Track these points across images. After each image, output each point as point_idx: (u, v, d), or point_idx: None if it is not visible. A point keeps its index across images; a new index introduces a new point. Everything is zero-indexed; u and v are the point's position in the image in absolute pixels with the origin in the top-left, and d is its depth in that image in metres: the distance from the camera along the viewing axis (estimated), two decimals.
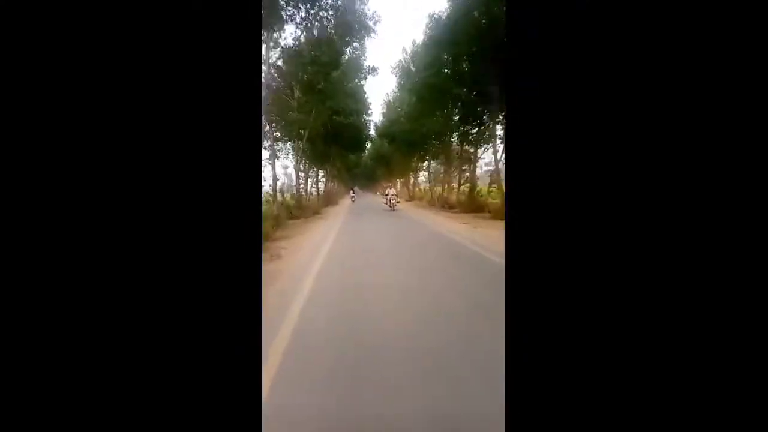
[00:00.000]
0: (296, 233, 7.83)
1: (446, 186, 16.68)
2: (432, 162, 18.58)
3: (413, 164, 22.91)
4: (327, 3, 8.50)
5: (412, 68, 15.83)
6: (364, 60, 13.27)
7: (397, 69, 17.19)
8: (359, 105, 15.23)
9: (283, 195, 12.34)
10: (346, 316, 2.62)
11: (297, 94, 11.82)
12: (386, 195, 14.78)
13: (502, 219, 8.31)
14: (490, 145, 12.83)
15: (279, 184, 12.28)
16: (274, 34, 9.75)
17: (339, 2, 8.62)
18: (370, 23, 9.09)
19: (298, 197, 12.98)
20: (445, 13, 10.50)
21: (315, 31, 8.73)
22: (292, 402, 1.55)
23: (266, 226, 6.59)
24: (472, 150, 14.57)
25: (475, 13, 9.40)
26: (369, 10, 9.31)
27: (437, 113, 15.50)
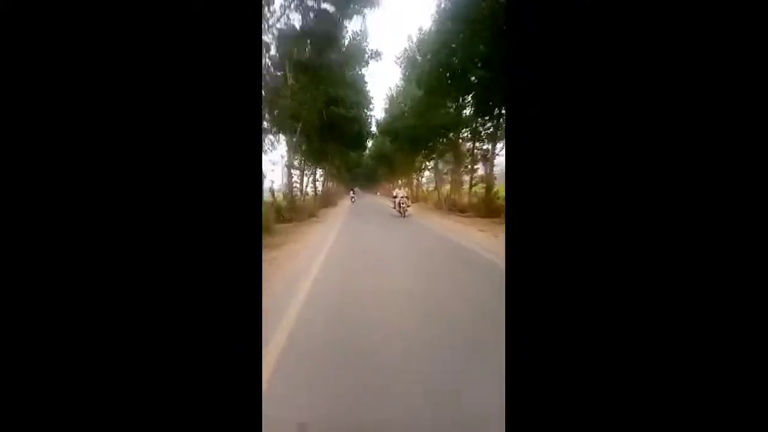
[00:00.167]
0: (284, 240, 6.45)
1: (455, 187, 15.25)
2: (439, 161, 17.12)
3: (417, 163, 21.46)
4: None
5: (418, 57, 14.42)
6: (366, 45, 11.86)
7: (401, 59, 15.77)
8: (360, 97, 13.81)
9: (273, 195, 10.95)
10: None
11: (290, 81, 10.43)
12: (395, 198, 11.85)
13: None
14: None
15: (270, 183, 10.86)
16: (263, 9, 8.35)
17: None
18: None
19: (290, 198, 11.52)
20: None
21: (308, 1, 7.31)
22: None
23: None
24: (487, 147, 13.12)
25: None
26: None
27: (448, 105, 14.13)
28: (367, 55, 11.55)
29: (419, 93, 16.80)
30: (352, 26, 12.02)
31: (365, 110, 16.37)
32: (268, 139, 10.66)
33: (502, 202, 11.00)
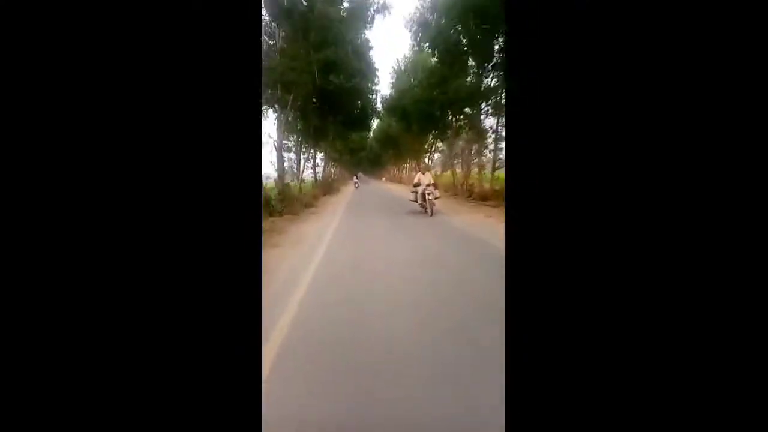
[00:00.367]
0: (266, 244, 4.72)
1: (474, 170, 13.29)
2: (454, 141, 15.08)
3: (428, 144, 19.42)
4: None
5: (430, 18, 12.25)
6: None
7: (411, 22, 13.55)
8: (363, 64, 11.72)
9: (261, 182, 9.16)
10: None
11: (279, 40, 8.46)
12: (416, 187, 8.12)
13: None
14: None
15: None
16: None
17: None
18: None
19: (282, 185, 9.71)
20: None
21: None
22: None
23: None
24: None
25: None
26: None
27: (466, 75, 12.06)
28: (372, 8, 9.44)
29: (431, 63, 14.82)
30: None
31: (369, 84, 14.27)
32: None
33: None
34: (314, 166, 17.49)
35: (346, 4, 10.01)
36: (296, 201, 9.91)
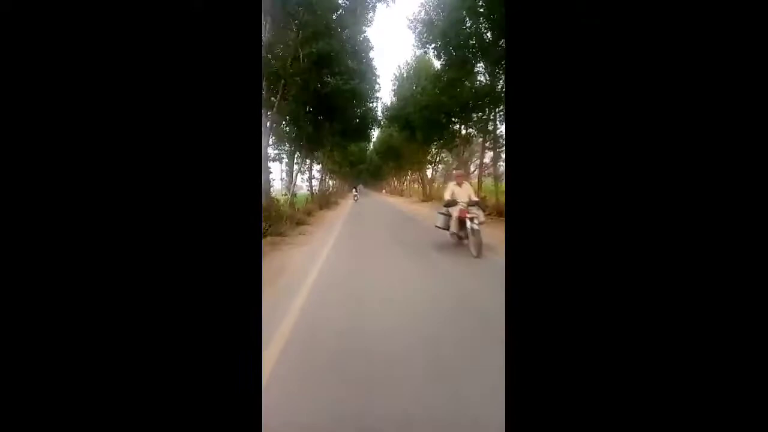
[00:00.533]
0: None
1: (486, 181, 11.95)
2: (463, 150, 13.81)
3: (433, 155, 18.15)
4: None
5: (436, 17, 11.15)
6: None
7: (415, 22, 12.47)
8: (362, 66, 10.52)
9: None
10: None
11: (267, 36, 7.23)
12: (450, 207, 4.82)
13: None
14: None
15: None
16: None
17: None
18: None
19: (268, 200, 8.33)
20: None
21: None
22: None
23: None
24: None
25: None
26: None
27: (482, 72, 10.86)
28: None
29: (435, 69, 13.77)
30: None
31: (369, 90, 13.10)
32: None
33: None
34: (310, 178, 16.19)
35: None
36: (285, 219, 8.54)
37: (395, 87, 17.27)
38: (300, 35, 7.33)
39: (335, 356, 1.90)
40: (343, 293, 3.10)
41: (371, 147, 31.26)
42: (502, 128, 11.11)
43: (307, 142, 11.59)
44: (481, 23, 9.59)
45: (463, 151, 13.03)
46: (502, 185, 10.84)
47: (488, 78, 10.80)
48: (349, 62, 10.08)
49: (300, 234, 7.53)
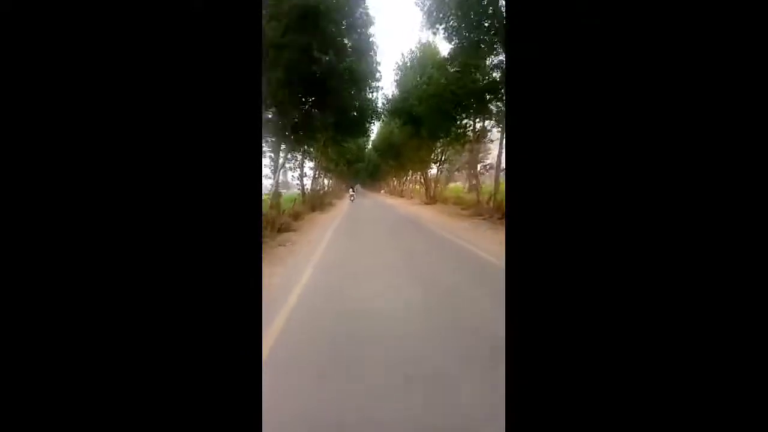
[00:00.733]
0: None
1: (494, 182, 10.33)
2: (475, 146, 12.17)
3: (438, 153, 16.48)
4: None
5: None
6: None
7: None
8: (362, 42, 8.87)
9: None
10: None
11: None
12: None
13: None
14: None
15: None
16: None
17: None
18: None
19: None
20: None
21: None
22: None
23: None
24: None
25: None
26: None
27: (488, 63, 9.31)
28: None
29: (443, 56, 12.21)
30: None
31: (370, 76, 11.45)
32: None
33: None
34: (301, 176, 14.52)
35: None
36: (266, 225, 6.89)
37: (398, 77, 15.62)
38: None
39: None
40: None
41: (370, 145, 29.67)
42: None
43: (293, 133, 9.85)
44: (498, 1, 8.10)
45: (479, 148, 11.35)
46: None
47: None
48: (345, 40, 8.47)
49: (279, 245, 5.87)
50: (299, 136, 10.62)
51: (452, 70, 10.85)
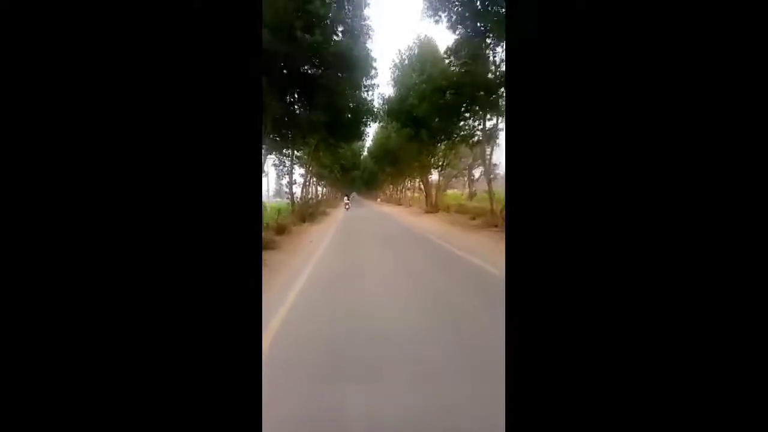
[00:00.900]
0: None
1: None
2: (488, 147, 10.87)
3: (440, 155, 15.15)
4: None
5: None
6: None
7: None
8: (354, 25, 7.57)
9: None
10: None
11: None
12: None
13: None
14: None
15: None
16: None
17: None
18: None
19: None
20: None
21: None
22: None
23: None
24: None
25: None
26: None
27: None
28: None
29: (442, 52, 11.07)
30: None
31: (364, 70, 10.21)
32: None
33: None
34: (291, 183, 13.12)
35: None
36: None
37: (394, 76, 14.43)
38: None
39: None
40: None
41: (365, 153, 28.43)
42: None
43: (274, 131, 8.43)
44: None
45: (490, 149, 10.01)
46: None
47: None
48: (339, 27, 7.21)
49: None
50: (283, 135, 9.24)
51: (458, 63, 9.63)
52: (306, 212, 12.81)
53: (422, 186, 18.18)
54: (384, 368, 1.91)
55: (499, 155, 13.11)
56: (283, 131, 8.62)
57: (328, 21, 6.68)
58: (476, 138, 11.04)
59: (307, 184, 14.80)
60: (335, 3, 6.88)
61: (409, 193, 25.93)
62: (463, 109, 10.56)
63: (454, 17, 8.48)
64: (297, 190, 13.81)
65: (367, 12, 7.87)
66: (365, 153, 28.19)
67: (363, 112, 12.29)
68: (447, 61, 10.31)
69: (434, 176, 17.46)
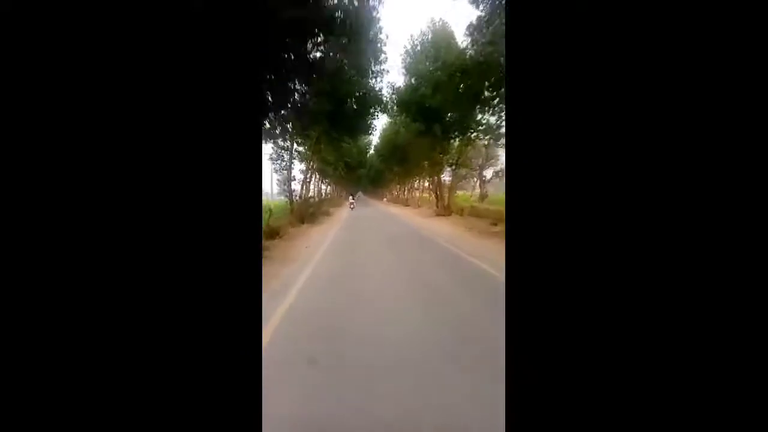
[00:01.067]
0: None
1: None
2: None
3: (454, 152, 13.78)
4: None
5: None
6: None
7: None
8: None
9: None
10: None
11: None
12: None
13: None
14: None
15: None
16: None
17: None
18: None
19: None
20: None
21: None
22: None
23: None
24: None
25: None
26: None
27: None
28: None
29: (459, 40, 9.83)
30: None
31: (372, 55, 8.96)
32: None
33: None
34: (289, 180, 11.91)
35: None
36: None
37: (405, 63, 13.13)
38: None
39: None
40: None
41: (372, 151, 27.19)
42: None
43: (267, 121, 7.17)
44: None
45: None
46: None
47: None
48: None
49: None
50: (280, 124, 8.02)
51: (480, 42, 8.34)
52: (306, 212, 11.59)
53: (432, 186, 16.85)
54: None
55: None
56: (272, 116, 7.35)
57: None
58: (503, 129, 9.70)
59: (308, 180, 13.55)
60: None
61: (417, 194, 24.59)
62: (484, 96, 9.23)
63: None
64: (297, 187, 12.61)
65: None
66: (372, 151, 26.96)
67: (370, 102, 11.05)
68: (466, 42, 9.05)
69: (445, 176, 16.12)
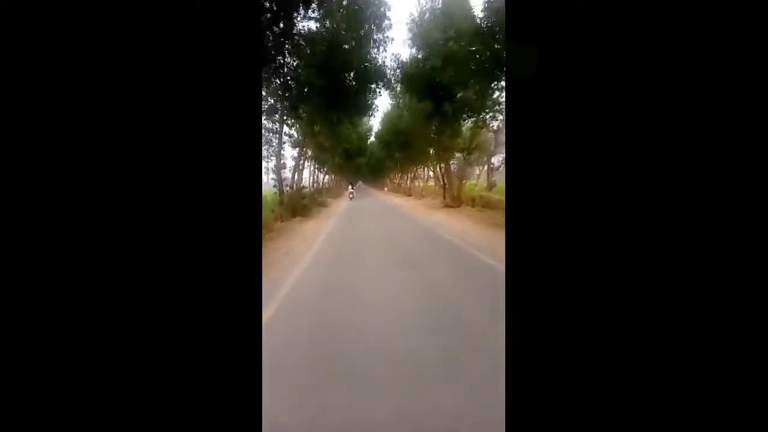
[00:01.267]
0: None
1: None
2: None
3: (467, 135, 12.22)
4: None
5: None
6: None
7: None
8: None
9: None
10: None
11: None
12: None
13: None
14: None
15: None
16: None
17: None
18: None
19: None
20: None
21: None
22: None
23: None
24: None
25: None
26: None
27: None
28: None
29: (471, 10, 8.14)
30: None
31: (371, 21, 7.40)
32: None
33: None
34: (278, 168, 10.43)
35: None
36: None
37: (412, 34, 11.49)
38: None
39: None
40: None
41: (372, 138, 25.56)
42: None
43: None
44: None
45: None
46: None
47: None
48: None
49: None
50: (267, 103, 6.56)
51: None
52: (298, 204, 10.16)
53: (438, 174, 15.35)
54: None
55: None
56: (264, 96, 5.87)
57: None
58: None
59: (301, 168, 12.06)
60: None
61: (420, 183, 23.08)
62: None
63: None
64: (289, 175, 11.14)
65: None
66: (372, 138, 25.34)
67: (371, 76, 9.49)
68: (483, 7, 7.49)
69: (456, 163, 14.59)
